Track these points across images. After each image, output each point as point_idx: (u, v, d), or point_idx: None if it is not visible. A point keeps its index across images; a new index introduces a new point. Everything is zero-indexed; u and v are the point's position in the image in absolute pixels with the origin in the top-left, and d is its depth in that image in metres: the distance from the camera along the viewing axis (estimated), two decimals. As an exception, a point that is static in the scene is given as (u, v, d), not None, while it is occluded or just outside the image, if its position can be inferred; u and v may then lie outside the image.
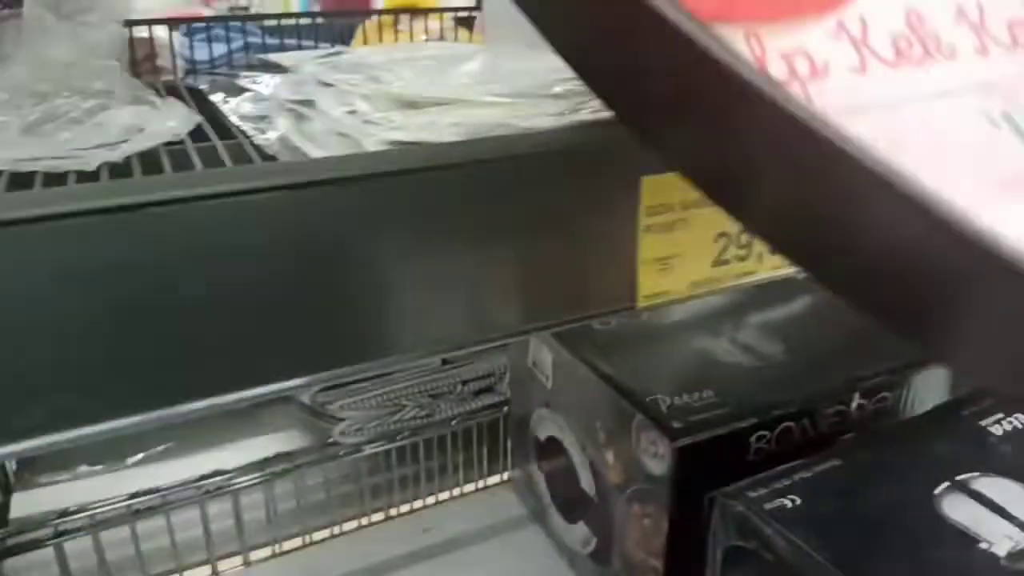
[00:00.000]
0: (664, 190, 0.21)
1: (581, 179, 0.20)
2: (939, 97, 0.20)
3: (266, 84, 0.35)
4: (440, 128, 0.23)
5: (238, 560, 0.60)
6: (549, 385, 0.58)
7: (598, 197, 0.20)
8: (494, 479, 0.68)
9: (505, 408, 0.65)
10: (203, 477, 0.56)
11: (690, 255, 0.23)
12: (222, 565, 0.59)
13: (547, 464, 0.60)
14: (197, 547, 0.58)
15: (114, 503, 0.54)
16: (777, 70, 0.18)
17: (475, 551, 0.62)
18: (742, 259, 0.24)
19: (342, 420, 0.61)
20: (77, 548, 0.54)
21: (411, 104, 0.25)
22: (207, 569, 0.59)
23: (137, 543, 0.55)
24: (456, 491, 0.66)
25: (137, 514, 0.54)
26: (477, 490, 0.67)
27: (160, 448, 0.66)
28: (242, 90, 0.35)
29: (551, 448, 0.58)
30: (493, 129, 0.23)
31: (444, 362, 0.66)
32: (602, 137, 0.21)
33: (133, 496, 0.55)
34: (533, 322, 0.21)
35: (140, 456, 0.66)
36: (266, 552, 0.61)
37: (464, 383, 0.65)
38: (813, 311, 0.60)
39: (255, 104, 0.33)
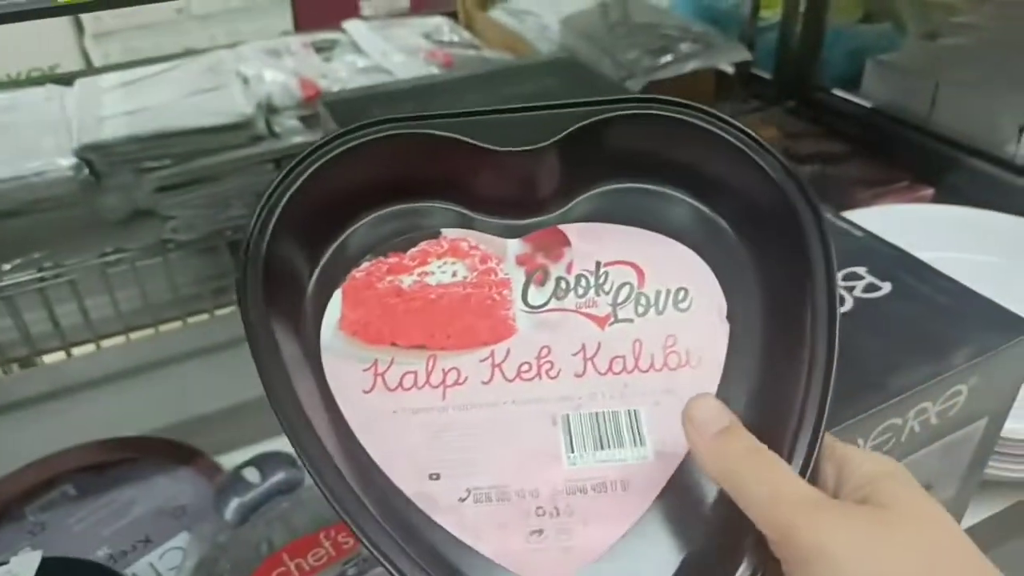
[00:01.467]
0: None
1: None
2: (526, 402, 0.29)
3: None
4: None
5: (91, 348, 0.67)
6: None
7: None
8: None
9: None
10: (41, 268, 0.62)
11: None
12: (75, 351, 0.66)
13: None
14: (49, 335, 0.65)
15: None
16: (436, 379, 0.29)
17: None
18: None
19: (173, 218, 0.66)
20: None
21: None
22: (61, 355, 0.66)
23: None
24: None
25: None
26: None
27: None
28: None
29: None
30: None
31: (276, 165, 0.70)
32: None
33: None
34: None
35: None
36: (118, 340, 0.67)
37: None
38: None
39: None
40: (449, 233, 0.32)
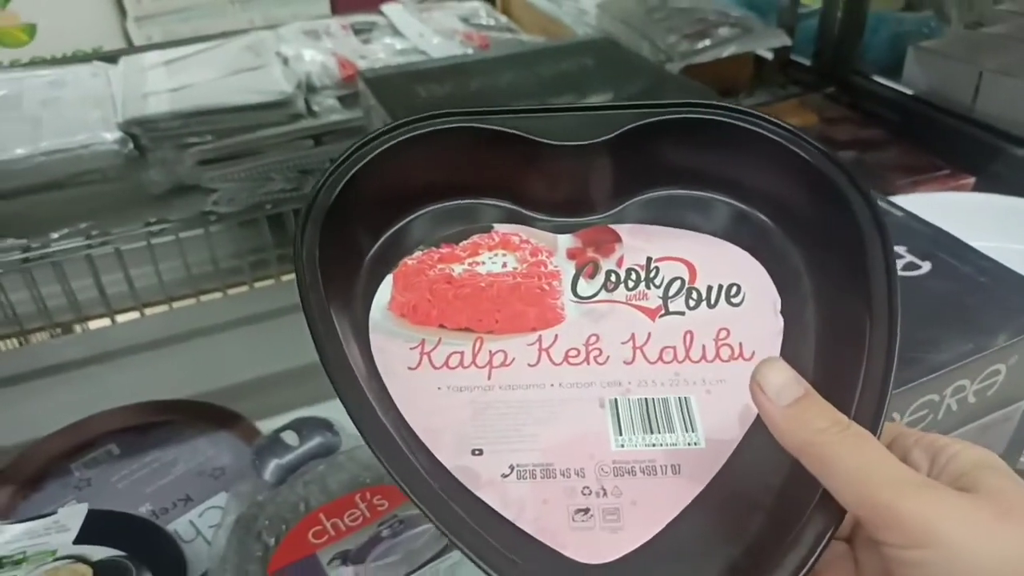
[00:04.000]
0: None
1: None
2: (573, 386, 0.29)
3: None
4: None
5: (135, 315, 0.68)
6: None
7: None
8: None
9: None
10: (88, 237, 0.64)
11: None
12: (119, 318, 0.68)
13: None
14: (95, 302, 0.67)
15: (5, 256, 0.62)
16: (482, 360, 0.29)
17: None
18: None
19: (215, 191, 0.67)
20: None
21: None
22: (106, 321, 0.68)
23: (38, 293, 0.64)
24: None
25: (28, 262, 0.62)
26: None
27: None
28: None
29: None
30: None
31: (316, 142, 0.71)
32: None
33: (25, 250, 0.62)
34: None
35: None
36: (161, 308, 0.69)
37: (333, 160, 0.69)
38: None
39: None
40: (501, 228, 0.32)
